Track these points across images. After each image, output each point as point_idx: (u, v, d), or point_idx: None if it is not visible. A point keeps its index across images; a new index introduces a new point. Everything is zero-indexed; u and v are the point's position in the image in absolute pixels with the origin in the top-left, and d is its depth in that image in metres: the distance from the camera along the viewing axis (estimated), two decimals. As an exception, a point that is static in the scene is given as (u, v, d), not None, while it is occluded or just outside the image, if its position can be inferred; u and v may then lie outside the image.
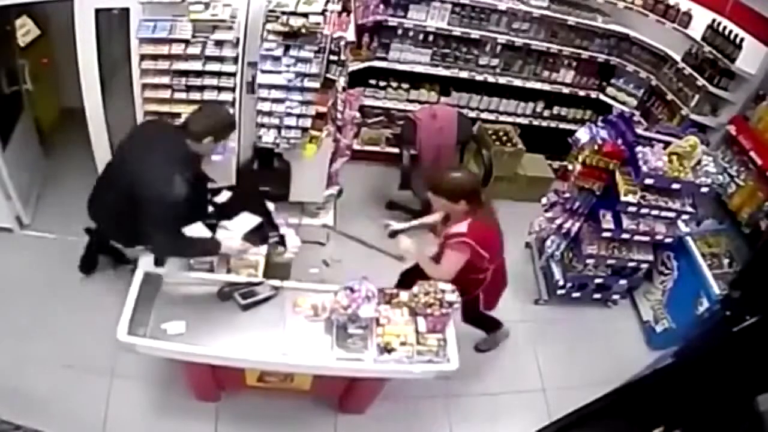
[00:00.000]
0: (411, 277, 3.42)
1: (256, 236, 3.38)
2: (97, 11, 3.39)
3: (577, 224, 4.23)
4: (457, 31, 4.91)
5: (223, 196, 3.64)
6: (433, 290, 3.10)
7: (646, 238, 4.15)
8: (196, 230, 3.32)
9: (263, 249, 3.45)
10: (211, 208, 3.56)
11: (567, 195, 4.20)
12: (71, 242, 3.82)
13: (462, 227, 3.09)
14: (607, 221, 4.07)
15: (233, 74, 3.60)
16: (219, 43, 3.50)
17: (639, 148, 3.91)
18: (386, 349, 2.97)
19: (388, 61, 4.99)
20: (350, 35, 3.66)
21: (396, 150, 5.00)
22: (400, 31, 4.89)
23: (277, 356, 2.92)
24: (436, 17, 4.86)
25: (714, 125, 4.64)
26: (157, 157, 3.02)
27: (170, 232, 3.05)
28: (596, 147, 3.92)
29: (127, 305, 2.92)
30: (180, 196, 2.96)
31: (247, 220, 3.51)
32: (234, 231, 3.36)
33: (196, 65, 3.54)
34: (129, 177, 3.01)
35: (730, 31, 4.35)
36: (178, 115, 3.66)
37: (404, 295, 3.16)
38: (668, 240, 4.17)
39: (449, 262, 3.14)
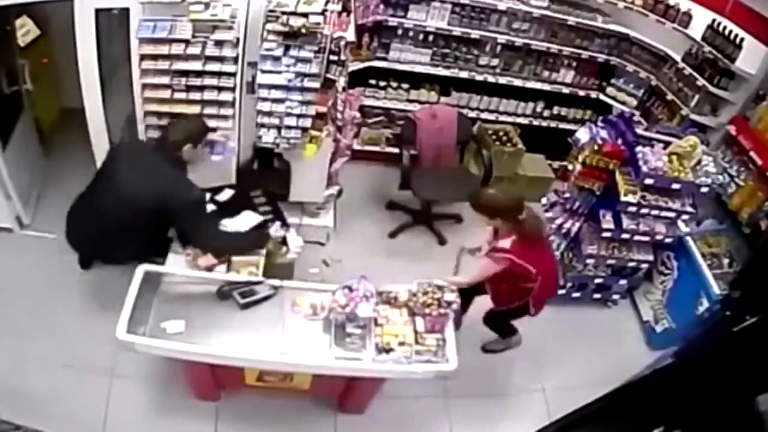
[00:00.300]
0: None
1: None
2: (97, 11, 3.39)
3: (577, 224, 4.23)
4: (457, 31, 4.91)
5: (225, 195, 3.66)
6: (432, 290, 3.11)
7: (646, 238, 4.14)
8: (248, 219, 3.50)
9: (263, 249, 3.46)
10: (213, 207, 3.57)
11: (567, 195, 4.19)
12: (71, 242, 3.82)
13: (506, 243, 3.27)
14: (607, 221, 4.07)
15: (233, 74, 3.60)
16: (219, 43, 3.50)
17: (639, 148, 3.91)
18: (384, 349, 2.97)
19: (388, 61, 4.99)
20: (350, 35, 3.66)
21: (396, 150, 5.00)
22: (400, 31, 4.89)
23: (276, 355, 2.93)
24: (436, 17, 4.86)
25: (714, 125, 4.63)
26: (160, 171, 3.17)
27: (216, 229, 3.36)
28: (596, 147, 3.92)
29: (126, 304, 2.92)
30: (202, 193, 3.25)
31: (249, 218, 3.52)
32: (236, 228, 3.47)
33: (196, 65, 3.53)
34: (139, 200, 3.12)
35: (730, 31, 4.35)
36: (178, 115, 3.67)
37: (403, 295, 3.16)
38: (668, 240, 4.16)
39: (483, 269, 3.31)
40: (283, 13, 3.39)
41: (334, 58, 3.60)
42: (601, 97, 5.37)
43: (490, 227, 3.45)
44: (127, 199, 3.14)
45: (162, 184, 3.12)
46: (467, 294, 3.65)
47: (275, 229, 3.48)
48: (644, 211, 3.98)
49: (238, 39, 3.51)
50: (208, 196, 3.59)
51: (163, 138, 3.35)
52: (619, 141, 3.96)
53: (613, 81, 5.31)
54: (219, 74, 3.58)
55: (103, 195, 3.28)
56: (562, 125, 5.46)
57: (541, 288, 3.47)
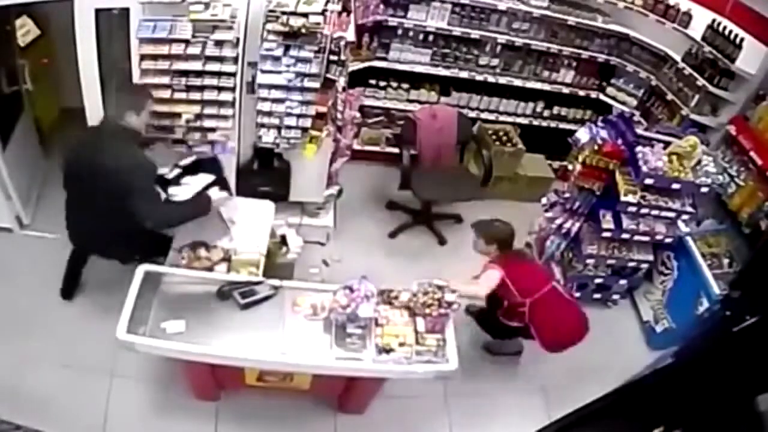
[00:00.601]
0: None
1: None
2: (97, 11, 3.40)
3: (577, 224, 4.23)
4: (457, 31, 4.91)
5: (188, 160, 3.60)
6: (432, 290, 3.11)
7: (646, 238, 4.15)
8: (197, 181, 3.43)
9: (263, 247, 3.46)
10: (178, 171, 3.49)
11: (567, 195, 4.20)
12: (71, 242, 3.82)
13: (495, 257, 3.60)
14: (607, 221, 4.07)
15: (233, 74, 3.60)
16: (219, 43, 3.50)
17: (639, 148, 3.92)
18: (385, 349, 2.97)
19: (388, 61, 4.99)
20: (350, 35, 3.66)
21: (396, 150, 5.00)
22: (400, 31, 4.88)
23: (276, 355, 2.93)
24: (436, 17, 4.86)
25: (714, 125, 4.63)
26: (112, 150, 3.10)
27: (162, 202, 3.24)
28: (596, 147, 3.92)
29: (126, 304, 2.93)
30: (152, 163, 3.20)
31: (202, 179, 3.48)
32: (191, 186, 3.42)
33: (196, 65, 3.54)
34: (105, 183, 3.08)
35: (730, 31, 4.35)
36: (178, 115, 3.67)
37: (404, 296, 3.16)
38: (668, 240, 4.17)
39: (485, 279, 3.49)
40: (283, 13, 3.40)
41: (334, 58, 3.61)
42: (601, 97, 5.36)
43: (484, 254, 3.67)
44: (96, 185, 3.13)
45: (111, 160, 3.07)
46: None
47: (215, 192, 3.40)
48: (644, 211, 3.98)
49: (238, 39, 3.52)
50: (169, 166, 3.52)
51: (104, 120, 3.28)
52: (619, 141, 3.96)
53: (613, 81, 5.31)
54: (219, 74, 3.59)
55: (79, 188, 3.29)
56: (562, 125, 5.46)
57: (538, 320, 3.55)
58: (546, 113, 5.46)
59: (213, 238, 3.39)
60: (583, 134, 4.02)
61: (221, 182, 3.52)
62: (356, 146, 4.86)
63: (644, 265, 4.35)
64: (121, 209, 3.06)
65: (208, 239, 3.36)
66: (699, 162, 3.96)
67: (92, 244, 3.55)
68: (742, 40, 4.29)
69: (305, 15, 3.40)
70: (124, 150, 3.12)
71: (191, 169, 3.49)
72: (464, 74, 5.12)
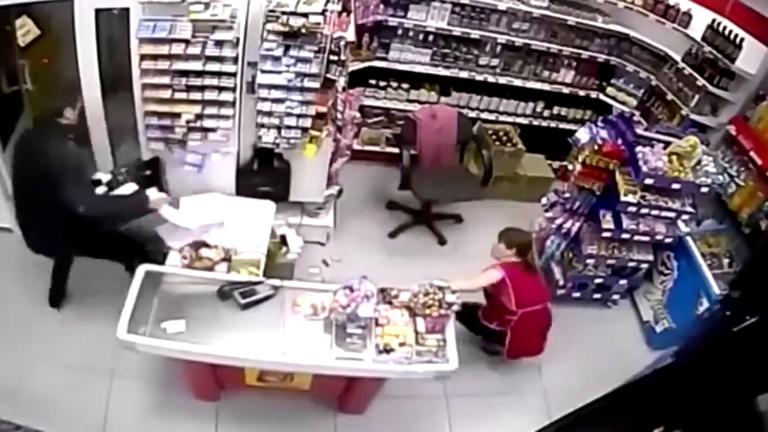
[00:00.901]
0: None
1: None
2: (97, 11, 3.40)
3: (577, 224, 4.23)
4: (457, 31, 4.91)
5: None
6: (433, 291, 3.11)
7: (646, 238, 4.15)
8: (126, 189, 3.48)
9: (264, 247, 3.46)
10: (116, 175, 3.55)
11: (567, 195, 4.20)
12: (71, 242, 3.81)
13: (506, 261, 3.65)
14: (607, 221, 4.07)
15: (233, 74, 3.60)
16: (219, 43, 3.50)
17: (639, 148, 3.92)
18: (385, 349, 2.97)
19: (388, 61, 4.99)
20: (350, 35, 3.66)
21: (396, 150, 5.00)
22: (400, 31, 4.89)
23: (277, 355, 2.93)
24: (436, 17, 4.86)
25: (714, 125, 4.64)
26: (42, 142, 3.17)
27: (94, 192, 3.30)
28: (596, 147, 3.92)
29: (127, 304, 2.93)
30: (77, 152, 3.26)
31: (127, 188, 3.53)
32: (129, 186, 3.49)
33: (196, 65, 3.54)
34: (40, 181, 3.11)
35: (730, 31, 4.35)
36: (178, 115, 3.67)
37: (404, 296, 3.16)
38: (668, 240, 4.17)
39: (484, 274, 3.61)
40: (283, 13, 3.40)
41: (334, 58, 3.60)
42: (601, 97, 5.36)
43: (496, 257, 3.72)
44: (30, 178, 3.18)
45: (43, 154, 3.12)
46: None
47: (153, 192, 3.42)
48: (644, 211, 3.98)
49: (238, 39, 3.52)
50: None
51: (44, 115, 3.34)
52: (619, 141, 3.96)
53: (613, 81, 5.31)
54: (219, 74, 3.59)
55: (17, 184, 3.37)
56: (562, 125, 5.46)
57: (519, 331, 3.63)
58: (546, 113, 5.46)
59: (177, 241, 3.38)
60: (583, 134, 4.02)
61: (159, 183, 3.59)
62: (356, 146, 4.86)
63: (644, 265, 4.35)
64: (53, 198, 3.09)
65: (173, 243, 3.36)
66: (699, 162, 3.96)
67: (35, 242, 3.54)
68: (742, 40, 4.29)
69: (305, 15, 3.40)
70: (53, 141, 3.15)
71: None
72: (464, 74, 5.12)
